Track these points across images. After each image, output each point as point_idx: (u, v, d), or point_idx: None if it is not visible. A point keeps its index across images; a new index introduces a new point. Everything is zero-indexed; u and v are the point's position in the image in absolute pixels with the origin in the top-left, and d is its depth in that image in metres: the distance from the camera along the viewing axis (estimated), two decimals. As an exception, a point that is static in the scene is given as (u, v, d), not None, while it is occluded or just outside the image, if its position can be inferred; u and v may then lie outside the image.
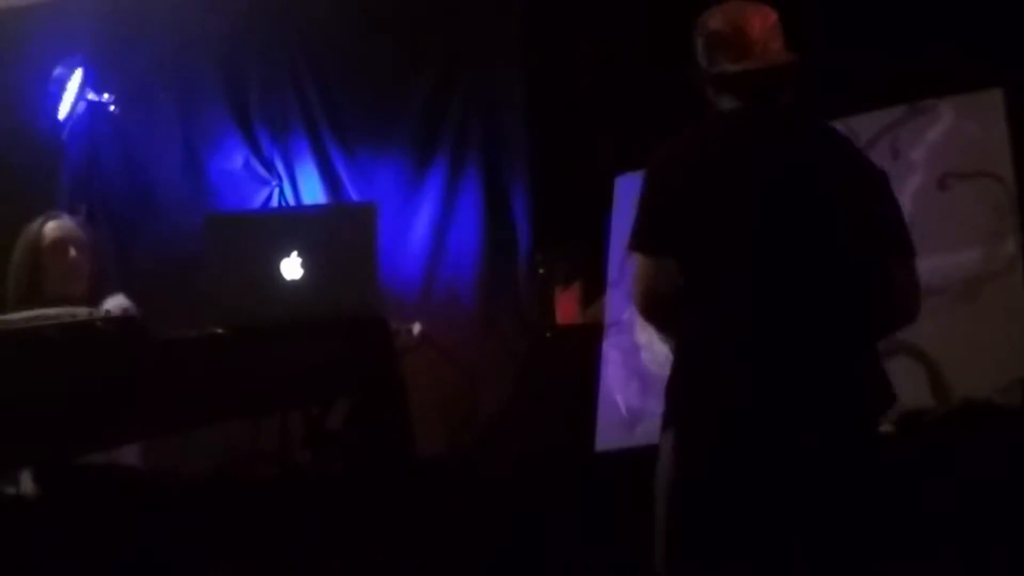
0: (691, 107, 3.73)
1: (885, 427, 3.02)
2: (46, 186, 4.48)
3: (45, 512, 2.82)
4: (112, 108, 4.34)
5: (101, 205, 4.50)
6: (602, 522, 3.34)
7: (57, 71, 4.22)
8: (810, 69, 3.38)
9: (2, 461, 2.81)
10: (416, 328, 3.76)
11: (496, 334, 4.09)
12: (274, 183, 4.43)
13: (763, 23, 2.45)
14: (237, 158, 4.48)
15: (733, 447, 2.24)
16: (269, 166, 4.45)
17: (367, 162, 4.36)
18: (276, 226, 2.81)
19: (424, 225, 4.25)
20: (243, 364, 2.70)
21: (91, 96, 4.29)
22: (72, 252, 3.22)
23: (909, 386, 3.01)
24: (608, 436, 3.50)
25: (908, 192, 3.18)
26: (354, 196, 4.33)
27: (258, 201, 4.42)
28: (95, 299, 3.16)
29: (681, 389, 2.35)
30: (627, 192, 3.71)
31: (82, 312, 2.74)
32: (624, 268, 3.47)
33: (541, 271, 4.02)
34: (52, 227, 3.25)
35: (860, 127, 3.30)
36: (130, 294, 3.31)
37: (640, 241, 2.35)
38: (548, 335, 4.01)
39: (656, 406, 3.40)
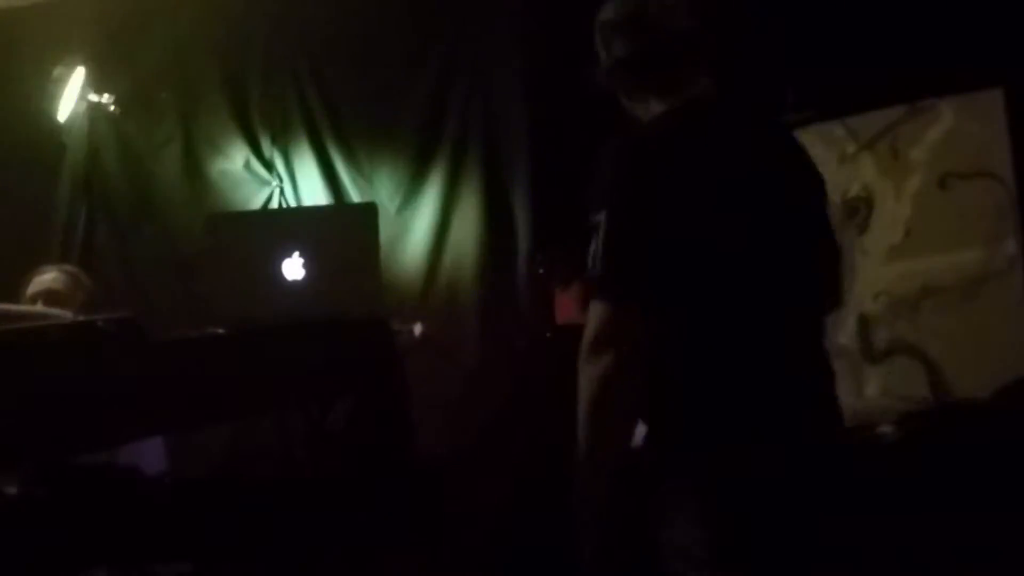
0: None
1: (884, 427, 3.03)
2: (46, 186, 4.49)
3: (45, 512, 2.82)
4: (112, 108, 4.35)
5: (101, 205, 4.50)
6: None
7: (57, 71, 4.22)
8: (811, 70, 3.39)
9: (2, 461, 2.81)
10: (417, 328, 3.76)
11: (496, 334, 4.09)
12: (274, 183, 4.43)
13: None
14: (237, 158, 4.48)
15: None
16: (269, 166, 4.45)
17: (367, 162, 4.36)
18: (276, 226, 2.81)
19: (424, 225, 4.25)
20: (243, 364, 2.70)
21: (91, 96, 4.29)
22: (40, 306, 3.24)
23: (909, 386, 3.02)
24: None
25: (908, 192, 3.18)
26: (354, 196, 4.33)
27: (258, 201, 4.42)
28: None
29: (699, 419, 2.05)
30: (627, 192, 3.71)
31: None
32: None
33: (541, 271, 4.02)
34: (34, 283, 3.32)
35: (860, 127, 3.31)
36: (130, 295, 3.32)
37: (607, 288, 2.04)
38: (548, 335, 4.01)
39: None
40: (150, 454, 3.24)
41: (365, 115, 4.38)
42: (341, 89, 4.42)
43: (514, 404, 3.99)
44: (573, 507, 2.07)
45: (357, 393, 3.25)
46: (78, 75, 4.23)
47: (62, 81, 4.21)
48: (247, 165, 4.47)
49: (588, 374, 1.99)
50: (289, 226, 2.77)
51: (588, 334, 2.02)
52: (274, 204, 4.39)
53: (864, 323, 3.15)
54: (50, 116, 4.27)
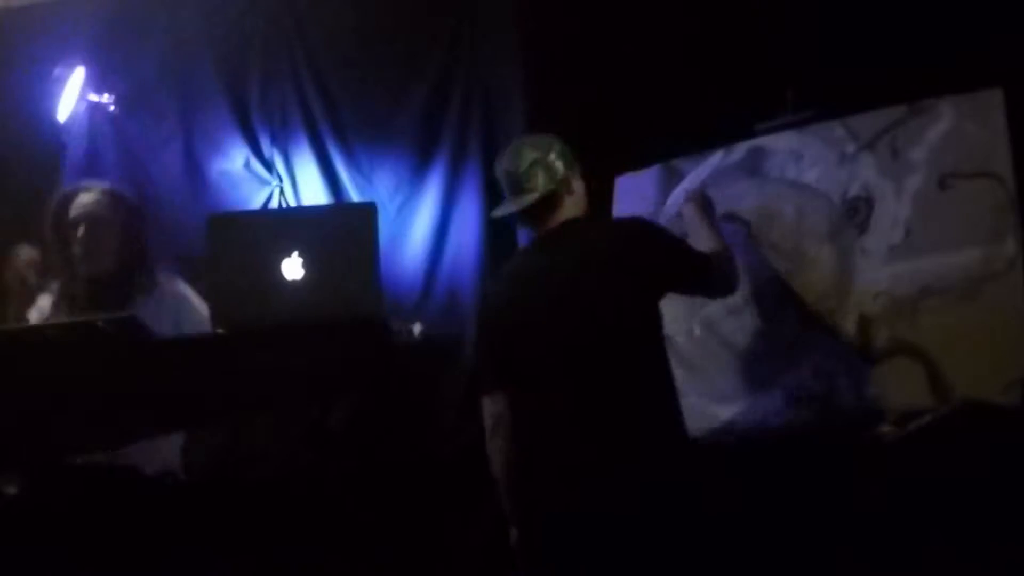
0: (691, 107, 3.75)
1: (884, 427, 3.03)
2: (46, 186, 4.48)
3: (45, 512, 2.82)
4: (112, 108, 4.35)
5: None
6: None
7: (57, 71, 4.22)
8: (811, 70, 3.39)
9: (2, 461, 2.81)
10: (416, 328, 3.76)
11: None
12: (274, 183, 4.43)
13: (516, 165, 2.99)
14: (237, 158, 4.48)
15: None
16: (269, 166, 4.45)
17: (367, 162, 4.36)
18: (276, 226, 2.81)
19: (424, 225, 4.25)
20: (243, 364, 2.70)
21: (91, 96, 4.29)
22: (81, 231, 3.25)
23: (909, 386, 3.02)
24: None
25: (908, 192, 3.18)
26: (354, 196, 4.33)
27: (258, 201, 4.42)
28: (126, 278, 3.21)
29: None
30: (627, 192, 3.71)
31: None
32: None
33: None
34: (75, 204, 3.30)
35: (860, 127, 3.30)
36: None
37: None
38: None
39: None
40: (150, 454, 3.24)
41: (365, 115, 4.38)
42: (341, 89, 4.42)
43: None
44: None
45: (357, 393, 3.26)
46: (78, 75, 4.23)
47: (62, 81, 4.21)
48: (247, 165, 4.47)
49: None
50: (289, 226, 2.78)
51: None
52: (274, 204, 4.40)
53: (864, 323, 3.15)
54: (50, 116, 4.27)
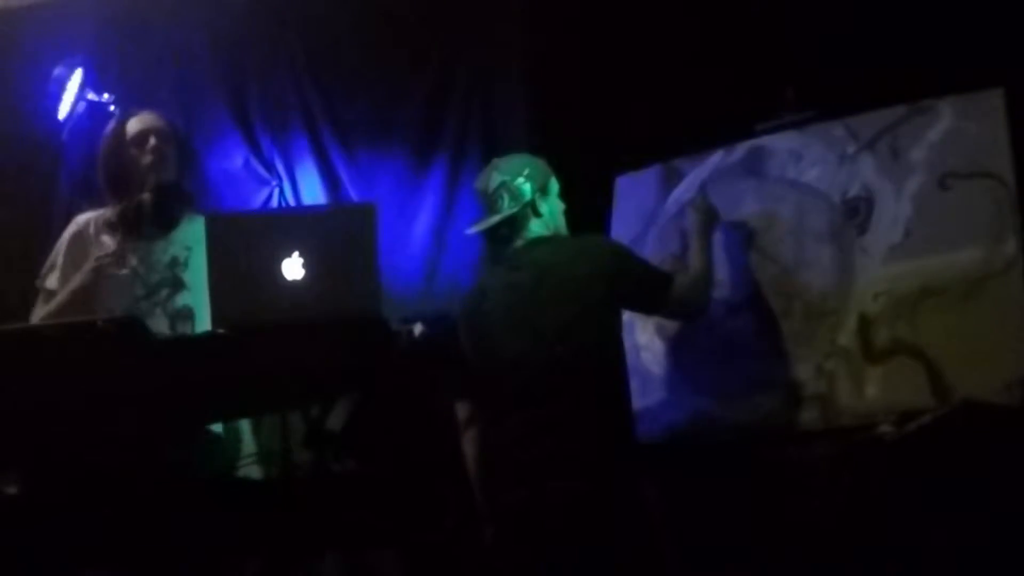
0: (691, 107, 3.75)
1: (884, 427, 3.03)
2: (46, 186, 4.49)
3: (45, 512, 2.82)
4: (112, 108, 4.34)
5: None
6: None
7: (57, 71, 4.21)
8: (811, 70, 3.39)
9: (2, 461, 2.81)
10: (417, 328, 3.75)
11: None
12: (274, 183, 4.43)
13: (485, 187, 3.15)
14: (237, 158, 4.47)
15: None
16: (269, 166, 4.45)
17: (367, 162, 4.36)
18: (276, 226, 2.81)
19: (424, 225, 4.25)
20: (243, 364, 2.70)
21: (91, 96, 4.29)
22: (153, 141, 3.39)
23: (909, 386, 3.02)
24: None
25: (908, 192, 3.18)
26: (354, 196, 4.33)
27: (258, 201, 4.42)
28: (184, 191, 3.39)
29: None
30: (627, 192, 3.71)
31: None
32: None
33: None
34: (134, 122, 3.45)
35: (860, 127, 3.31)
36: None
37: None
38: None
39: (656, 406, 3.42)
40: (150, 454, 3.23)
41: (365, 115, 4.38)
42: (341, 89, 4.42)
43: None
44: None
45: (357, 393, 3.25)
46: (78, 75, 4.22)
47: (62, 81, 4.21)
48: (247, 165, 4.47)
49: None
50: (288, 226, 2.77)
51: None
52: (274, 204, 4.39)
53: (864, 323, 3.15)
54: (50, 116, 4.27)
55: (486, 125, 4.21)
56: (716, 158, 3.57)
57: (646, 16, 3.84)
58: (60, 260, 3.36)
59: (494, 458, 3.05)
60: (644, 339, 3.49)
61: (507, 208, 3.11)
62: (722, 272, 3.32)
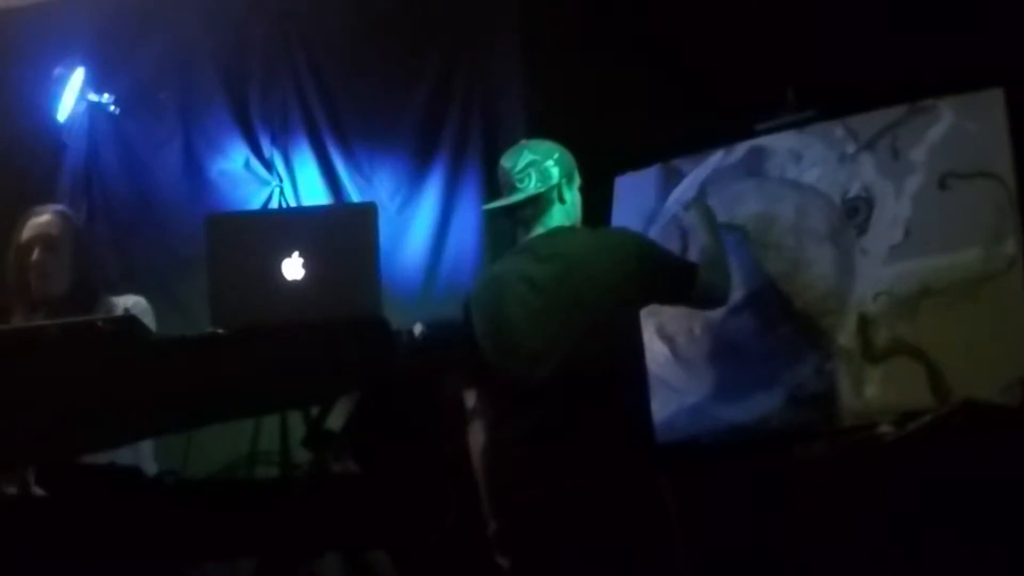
0: (691, 107, 3.74)
1: (884, 427, 3.03)
2: (46, 186, 4.49)
3: (45, 512, 2.82)
4: (112, 108, 4.35)
5: (101, 205, 4.50)
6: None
7: (57, 71, 4.22)
8: (811, 70, 3.39)
9: (2, 461, 2.81)
10: (417, 328, 3.75)
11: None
12: (274, 183, 4.43)
13: (513, 164, 3.04)
14: (237, 158, 4.48)
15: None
16: (269, 166, 4.45)
17: (367, 162, 4.36)
18: (276, 226, 2.80)
19: (424, 225, 4.25)
20: (243, 364, 2.69)
21: (91, 96, 4.29)
22: (36, 254, 3.20)
23: (909, 386, 3.02)
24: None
25: (908, 192, 3.18)
26: (354, 196, 4.33)
27: (258, 201, 4.42)
28: (82, 301, 3.14)
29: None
30: (627, 192, 3.71)
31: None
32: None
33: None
34: (27, 226, 3.25)
35: (860, 127, 3.31)
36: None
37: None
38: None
39: (655, 405, 3.42)
40: (149, 454, 3.24)
41: (365, 115, 4.38)
42: (341, 89, 4.42)
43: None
44: None
45: (357, 393, 3.25)
46: (78, 75, 4.23)
47: (62, 81, 4.21)
48: (247, 165, 4.47)
49: None
50: (289, 226, 2.77)
51: None
52: (274, 204, 4.40)
53: (864, 323, 3.15)
54: (50, 116, 4.27)
55: (486, 125, 4.21)
56: (716, 158, 3.57)
57: (646, 16, 3.84)
58: None
59: (506, 453, 2.96)
60: (644, 338, 3.48)
61: (534, 188, 3.01)
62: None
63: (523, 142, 3.12)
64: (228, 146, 4.48)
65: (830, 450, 3.12)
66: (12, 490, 2.87)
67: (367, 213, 2.80)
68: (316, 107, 4.43)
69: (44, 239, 3.23)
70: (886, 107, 3.28)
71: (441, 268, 4.21)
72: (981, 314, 2.98)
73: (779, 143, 3.45)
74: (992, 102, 3.10)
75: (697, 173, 3.58)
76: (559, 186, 3.03)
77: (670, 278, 3.02)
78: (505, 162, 3.07)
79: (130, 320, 2.57)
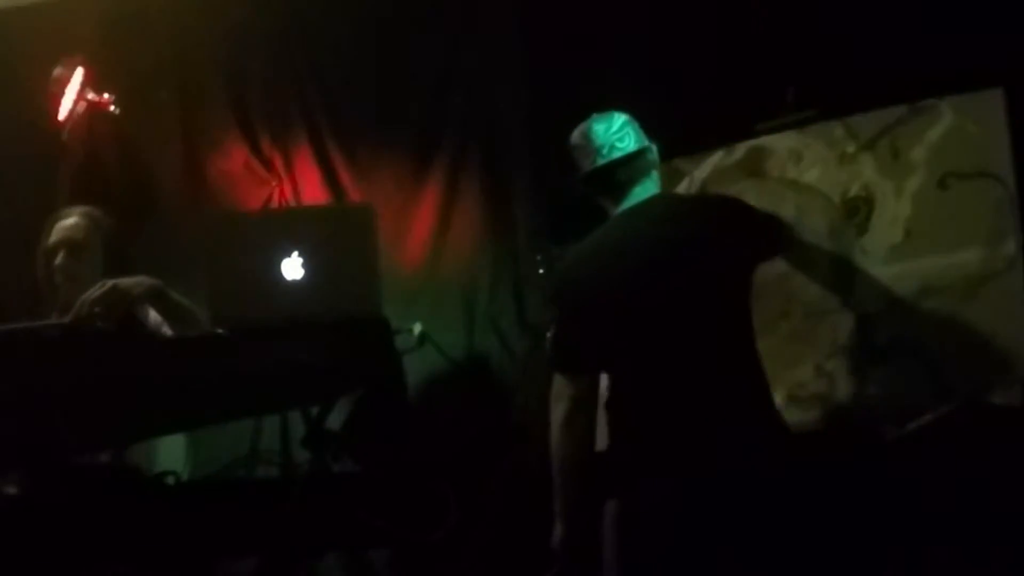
0: (691, 107, 3.74)
1: (884, 427, 3.03)
2: (46, 187, 4.48)
3: (45, 512, 2.82)
4: (112, 108, 4.35)
5: (101, 205, 4.49)
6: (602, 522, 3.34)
7: (57, 71, 4.22)
8: (811, 70, 3.39)
9: (2, 461, 2.81)
10: (417, 328, 3.76)
11: (496, 334, 4.09)
12: (274, 183, 4.43)
13: (608, 125, 2.92)
14: (237, 158, 4.48)
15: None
16: (269, 166, 4.45)
17: (367, 162, 4.36)
18: (276, 226, 2.81)
19: (424, 225, 4.25)
20: (243, 364, 2.70)
21: (91, 96, 4.29)
22: (60, 258, 3.19)
23: (909, 386, 3.02)
24: (608, 436, 3.50)
25: (908, 192, 3.18)
26: (354, 196, 4.33)
27: (258, 201, 4.42)
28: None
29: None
30: (627, 192, 3.71)
31: None
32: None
33: (541, 271, 4.02)
34: (53, 229, 3.25)
35: (860, 127, 3.30)
36: None
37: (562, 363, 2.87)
38: (548, 335, 4.00)
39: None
40: (150, 454, 3.23)
41: (365, 115, 4.38)
42: (341, 89, 4.42)
43: (514, 404, 3.99)
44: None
45: (357, 393, 3.25)
46: (78, 75, 4.23)
47: (62, 81, 4.21)
48: (247, 165, 4.47)
49: (552, 416, 2.86)
50: (288, 226, 2.77)
51: (552, 390, 2.89)
52: (274, 204, 4.39)
53: (864, 323, 3.15)
54: (50, 116, 4.27)
55: (486, 125, 4.21)
56: (716, 158, 3.57)
57: (646, 16, 3.84)
58: None
59: (645, 432, 2.71)
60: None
61: (636, 144, 2.90)
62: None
63: (595, 116, 2.99)
64: (228, 146, 4.48)
65: (830, 450, 3.12)
66: (12, 490, 2.87)
67: (367, 213, 2.82)
68: (316, 107, 4.42)
69: (68, 243, 3.22)
70: (886, 107, 3.27)
71: (441, 268, 4.21)
72: (981, 314, 2.98)
73: (779, 143, 3.45)
74: (992, 102, 3.10)
75: (697, 173, 3.58)
76: (654, 148, 2.95)
77: (774, 234, 3.05)
78: (596, 125, 2.92)
79: (130, 320, 2.57)
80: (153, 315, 3.08)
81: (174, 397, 2.70)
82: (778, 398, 3.21)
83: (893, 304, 3.12)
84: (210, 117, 4.52)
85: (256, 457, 3.62)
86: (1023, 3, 3.23)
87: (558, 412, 2.83)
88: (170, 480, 3.05)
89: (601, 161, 2.89)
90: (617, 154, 2.88)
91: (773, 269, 3.31)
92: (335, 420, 3.10)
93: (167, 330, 3.03)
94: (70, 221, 3.28)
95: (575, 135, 2.97)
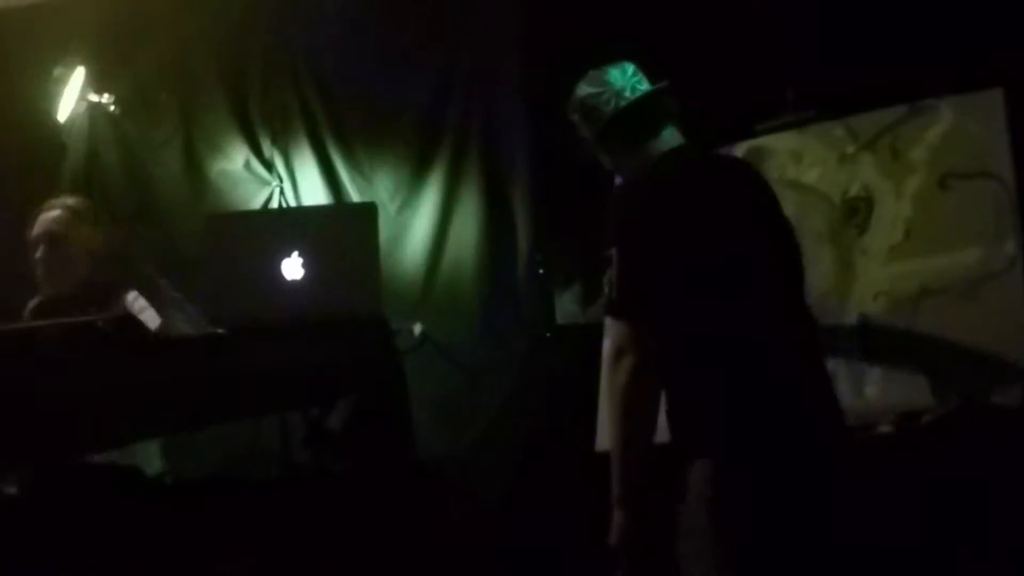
0: (691, 107, 3.74)
1: (884, 427, 3.03)
2: (46, 187, 4.48)
3: (46, 512, 2.82)
4: (112, 108, 4.35)
5: (101, 205, 4.49)
6: (602, 521, 3.34)
7: (57, 71, 4.22)
8: (811, 70, 3.38)
9: (2, 461, 2.81)
10: (417, 328, 3.76)
11: (496, 334, 4.09)
12: (274, 183, 4.43)
13: (625, 68, 2.67)
14: (237, 158, 4.48)
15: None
16: (269, 166, 4.45)
17: (367, 162, 4.36)
18: (276, 226, 2.81)
19: (424, 225, 4.25)
20: (243, 364, 2.70)
21: (91, 96, 4.29)
22: (40, 251, 3.18)
23: (909, 386, 3.02)
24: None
25: (908, 192, 3.18)
26: (354, 196, 4.33)
27: (258, 201, 4.42)
28: (95, 299, 3.10)
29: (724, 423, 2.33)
30: (627, 192, 3.71)
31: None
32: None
33: (541, 271, 4.02)
34: (36, 221, 3.23)
35: (860, 127, 3.31)
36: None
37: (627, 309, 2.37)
38: (548, 335, 4.01)
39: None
40: (150, 454, 3.23)
41: (365, 115, 4.38)
42: (341, 89, 4.42)
43: (514, 404, 3.99)
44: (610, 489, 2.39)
45: (357, 393, 3.25)
46: (78, 75, 4.23)
47: (62, 81, 4.21)
48: (247, 165, 4.47)
49: (613, 379, 2.36)
50: (289, 226, 2.78)
51: (610, 347, 2.43)
52: (274, 204, 4.39)
53: (864, 323, 3.15)
54: (50, 116, 4.27)
55: (486, 124, 4.21)
56: (716, 158, 3.57)
57: (646, 15, 3.84)
58: None
59: (733, 389, 2.31)
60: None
61: (648, 86, 2.63)
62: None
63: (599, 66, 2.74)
64: (228, 146, 4.48)
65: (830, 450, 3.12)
66: (12, 490, 2.87)
67: (367, 213, 2.81)
68: (316, 107, 4.43)
69: (49, 236, 3.21)
70: (886, 107, 3.27)
71: (441, 268, 4.21)
72: (981, 314, 2.99)
73: (779, 143, 3.45)
74: (992, 102, 3.10)
75: (697, 173, 3.58)
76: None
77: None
78: (611, 70, 2.67)
79: (129, 320, 2.57)
80: (138, 299, 3.10)
81: (174, 397, 2.70)
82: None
83: (893, 304, 3.12)
84: (210, 117, 4.52)
85: (256, 457, 3.62)
86: (1023, 3, 3.23)
87: (621, 371, 2.32)
88: (170, 480, 3.05)
89: (625, 102, 2.59)
90: (641, 93, 2.60)
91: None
92: (335, 420, 3.10)
93: (151, 315, 3.03)
94: (52, 214, 3.26)
95: (584, 86, 2.69)
